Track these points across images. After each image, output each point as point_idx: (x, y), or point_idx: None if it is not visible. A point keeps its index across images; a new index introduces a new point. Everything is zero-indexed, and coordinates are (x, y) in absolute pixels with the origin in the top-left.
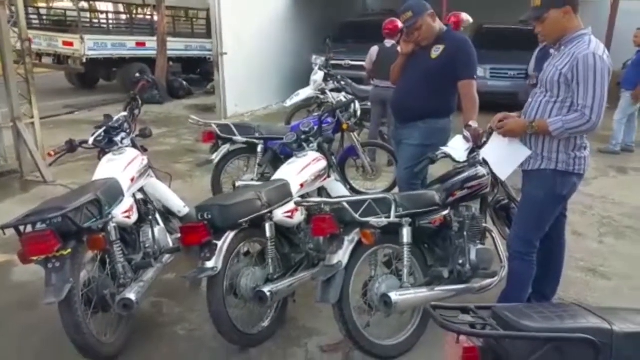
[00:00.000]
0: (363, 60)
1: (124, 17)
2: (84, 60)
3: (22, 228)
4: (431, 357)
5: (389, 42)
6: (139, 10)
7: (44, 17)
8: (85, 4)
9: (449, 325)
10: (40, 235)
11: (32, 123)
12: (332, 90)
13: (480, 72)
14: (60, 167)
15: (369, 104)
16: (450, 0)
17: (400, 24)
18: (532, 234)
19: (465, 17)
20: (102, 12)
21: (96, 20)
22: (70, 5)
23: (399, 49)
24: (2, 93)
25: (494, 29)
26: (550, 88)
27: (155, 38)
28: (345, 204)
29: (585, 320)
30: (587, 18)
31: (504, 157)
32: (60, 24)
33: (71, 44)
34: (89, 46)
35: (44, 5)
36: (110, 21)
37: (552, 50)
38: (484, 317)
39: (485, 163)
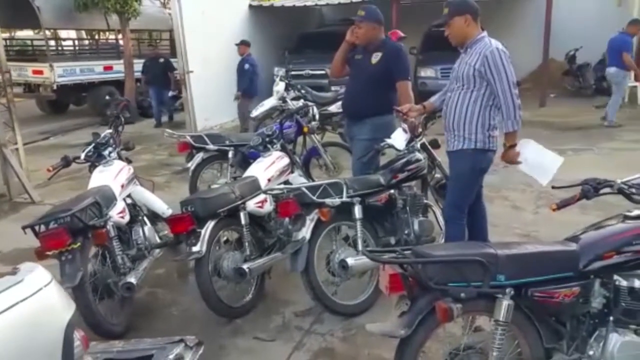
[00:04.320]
0: (322, 70)
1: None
2: (55, 87)
3: (37, 228)
4: (387, 312)
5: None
6: (103, 34)
7: (8, 48)
8: (49, 33)
9: (374, 257)
10: (54, 233)
11: (17, 149)
12: (293, 99)
13: (431, 72)
14: (45, 188)
15: (329, 108)
16: (401, 11)
17: (400, 33)
18: (461, 201)
19: (401, 33)
20: (67, 40)
21: (62, 48)
22: (30, 34)
23: None
24: None
25: (442, 32)
26: (467, 82)
27: (121, 61)
28: (304, 189)
29: (479, 249)
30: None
31: (540, 165)
32: (23, 53)
33: (41, 72)
34: (58, 73)
35: (6, 35)
36: (77, 47)
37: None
38: (404, 254)
39: (424, 150)
